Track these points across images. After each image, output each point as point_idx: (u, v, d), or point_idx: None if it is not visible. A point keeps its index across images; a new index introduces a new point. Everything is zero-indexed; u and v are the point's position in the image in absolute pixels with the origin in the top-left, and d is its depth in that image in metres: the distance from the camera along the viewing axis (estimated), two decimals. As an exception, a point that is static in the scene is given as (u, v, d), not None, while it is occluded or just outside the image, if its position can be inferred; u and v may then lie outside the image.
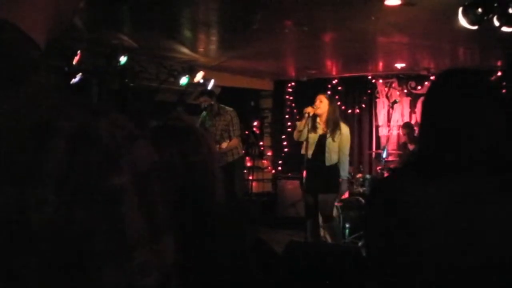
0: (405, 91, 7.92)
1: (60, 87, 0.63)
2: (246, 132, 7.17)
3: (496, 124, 1.22)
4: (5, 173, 0.55)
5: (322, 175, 5.04)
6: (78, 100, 0.62)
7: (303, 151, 5.16)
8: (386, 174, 6.04)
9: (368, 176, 6.65)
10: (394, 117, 7.81)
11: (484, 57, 6.29)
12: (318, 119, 5.12)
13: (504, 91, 5.37)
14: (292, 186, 7.51)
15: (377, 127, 8.22)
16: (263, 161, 8.76)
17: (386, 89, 8.11)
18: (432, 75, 7.00)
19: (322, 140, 5.09)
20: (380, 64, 7.25)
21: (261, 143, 8.64)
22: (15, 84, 0.59)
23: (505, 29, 3.43)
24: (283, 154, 8.66)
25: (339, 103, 7.20)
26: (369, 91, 8.24)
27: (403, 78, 7.87)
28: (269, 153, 8.93)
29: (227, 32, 4.82)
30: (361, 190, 6.23)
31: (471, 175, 1.19)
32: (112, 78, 5.54)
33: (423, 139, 1.32)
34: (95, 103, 0.63)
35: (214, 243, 1.34)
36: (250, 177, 7.29)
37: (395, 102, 7.05)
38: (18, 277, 0.54)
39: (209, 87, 6.28)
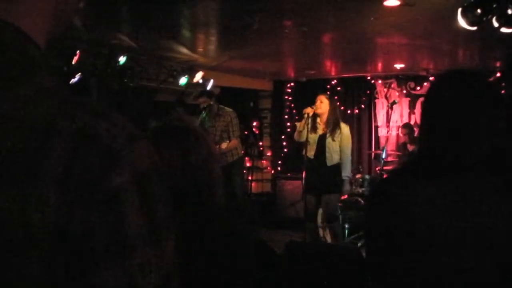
0: (404, 91, 7.93)
1: (60, 87, 0.63)
2: (246, 133, 7.16)
3: (496, 124, 1.22)
4: (5, 173, 0.55)
5: (324, 175, 5.03)
6: (78, 100, 0.62)
7: (304, 152, 5.16)
8: (385, 175, 6.03)
9: (367, 176, 6.64)
10: (393, 118, 7.81)
11: (483, 58, 6.29)
12: (318, 120, 5.12)
13: (503, 91, 5.37)
14: (291, 187, 7.51)
15: (376, 127, 8.22)
16: (262, 161, 8.75)
17: (385, 89, 8.11)
18: (431, 76, 7.00)
19: (322, 140, 5.09)
20: (379, 64, 7.25)
21: (260, 143, 8.63)
22: (15, 84, 0.59)
23: (504, 29, 3.43)
24: (282, 155, 8.66)
25: (338, 103, 7.20)
26: (368, 91, 8.24)
27: (402, 79, 7.87)
28: (269, 154, 8.92)
29: (226, 32, 4.81)
30: (360, 190, 6.22)
31: (471, 175, 1.19)
32: (111, 78, 5.52)
33: (423, 139, 1.32)
34: (95, 103, 0.62)
35: (214, 243, 1.34)
36: (250, 178, 7.29)
37: (394, 102, 7.05)
38: (18, 277, 0.54)
39: (208, 87, 6.26)
